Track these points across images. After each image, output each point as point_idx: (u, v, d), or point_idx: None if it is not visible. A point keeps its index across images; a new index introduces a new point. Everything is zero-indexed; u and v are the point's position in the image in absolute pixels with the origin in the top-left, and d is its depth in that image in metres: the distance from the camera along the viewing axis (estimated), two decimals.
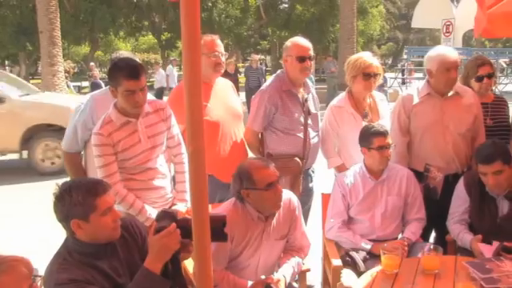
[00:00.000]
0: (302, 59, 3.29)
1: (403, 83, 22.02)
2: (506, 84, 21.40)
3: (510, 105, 3.75)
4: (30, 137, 7.98)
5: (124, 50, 10.27)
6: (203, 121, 1.48)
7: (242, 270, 2.61)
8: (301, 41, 3.38)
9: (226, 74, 11.59)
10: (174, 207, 2.88)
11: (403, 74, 23.46)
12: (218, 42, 3.39)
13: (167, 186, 2.95)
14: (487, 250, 2.68)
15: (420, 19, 26.89)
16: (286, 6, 29.70)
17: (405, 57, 26.46)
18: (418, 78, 19.78)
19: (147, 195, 2.83)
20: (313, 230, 3.54)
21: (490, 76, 3.53)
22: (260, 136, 3.48)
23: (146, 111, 2.78)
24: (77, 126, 3.18)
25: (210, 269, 1.55)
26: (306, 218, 3.50)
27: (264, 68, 17.52)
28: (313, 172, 3.57)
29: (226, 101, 3.48)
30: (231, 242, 2.52)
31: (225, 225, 1.81)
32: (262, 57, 37.58)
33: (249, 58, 26.63)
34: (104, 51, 33.02)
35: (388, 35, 41.76)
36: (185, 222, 1.80)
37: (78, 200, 1.87)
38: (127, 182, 2.77)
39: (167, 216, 1.88)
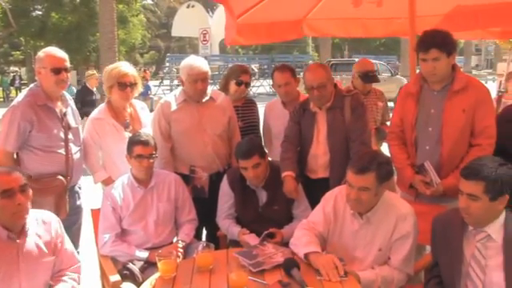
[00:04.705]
0: (57, 71, 3.07)
1: (171, 90, 22.66)
2: (258, 87, 23.92)
3: (262, 105, 4.18)
4: None
5: None
6: None
7: None
8: (55, 51, 3.15)
9: (88, 92, 9.10)
10: None
11: (169, 81, 24.15)
12: None
13: None
14: (252, 239, 2.93)
15: (179, 28, 28.11)
16: (40, 13, 27.29)
17: (167, 64, 27.22)
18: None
19: None
20: (86, 248, 3.36)
21: (247, 85, 3.94)
22: (16, 156, 3.12)
23: None
24: None
25: None
26: (77, 238, 3.32)
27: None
28: (79, 188, 3.38)
29: None
30: None
31: None
32: (16, 69, 33.98)
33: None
34: None
35: (150, 44, 42.29)
36: None
37: None
38: None
39: None
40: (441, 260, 2.33)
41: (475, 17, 4.05)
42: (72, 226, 3.26)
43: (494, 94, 6.20)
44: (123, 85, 3.32)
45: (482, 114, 2.82)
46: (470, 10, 4.07)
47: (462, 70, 3.05)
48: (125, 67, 3.38)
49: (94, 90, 9.14)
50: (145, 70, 22.58)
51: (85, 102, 8.18)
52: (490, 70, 34.03)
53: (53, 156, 3.09)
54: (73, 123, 3.25)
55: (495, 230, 2.13)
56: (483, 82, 3.27)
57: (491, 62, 41.65)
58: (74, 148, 3.20)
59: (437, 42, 2.80)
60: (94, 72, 9.57)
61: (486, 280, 2.12)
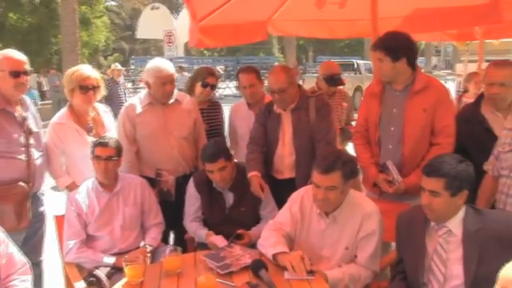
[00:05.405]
0: (15, 74, 2.98)
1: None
2: (224, 88, 23.87)
3: (227, 107, 4.18)
4: None
5: None
6: None
7: None
8: (13, 54, 3.06)
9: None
10: None
11: (133, 84, 23.85)
12: None
13: None
14: (219, 241, 2.93)
15: (144, 30, 27.80)
16: None
17: (132, 67, 26.88)
18: None
19: None
20: (51, 256, 3.28)
21: (213, 87, 3.94)
22: None
23: None
24: None
25: None
26: (40, 245, 3.26)
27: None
28: (42, 195, 3.29)
29: None
30: None
31: None
32: None
33: None
34: None
35: (114, 46, 41.58)
36: None
37: None
38: None
39: None
40: (405, 256, 2.38)
41: (433, 19, 4.17)
42: (35, 234, 3.19)
43: (453, 94, 6.41)
44: (85, 88, 3.26)
45: (441, 113, 2.90)
46: (429, 13, 4.20)
47: (422, 70, 3.13)
48: (87, 70, 3.32)
49: None
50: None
51: None
52: (449, 71, 35.05)
53: (13, 162, 3.00)
54: (34, 128, 3.16)
55: (455, 224, 2.20)
56: (443, 81, 3.37)
57: (450, 62, 42.92)
58: (35, 153, 3.12)
59: (383, 44, 2.89)
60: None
61: (447, 273, 2.19)
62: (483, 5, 3.88)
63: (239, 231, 2.98)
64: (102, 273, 2.81)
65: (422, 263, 2.26)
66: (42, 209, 3.27)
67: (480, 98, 3.27)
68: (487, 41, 8.23)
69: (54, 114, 3.46)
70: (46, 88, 20.41)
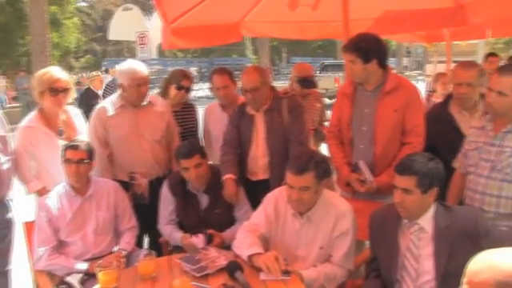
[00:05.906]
0: None
1: None
2: (198, 90, 23.73)
3: (201, 108, 4.17)
4: None
5: None
6: None
7: None
8: None
9: (92, 95, 8.22)
10: None
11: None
12: None
13: None
14: (198, 242, 2.91)
15: (116, 32, 27.46)
16: None
17: (103, 69, 26.50)
18: None
19: None
20: (20, 264, 3.20)
21: (188, 89, 3.93)
22: None
23: None
24: None
25: None
26: (8, 253, 3.16)
27: None
28: (10, 201, 3.20)
29: None
30: None
31: None
32: None
33: None
34: None
35: (85, 47, 40.87)
36: None
37: None
38: None
39: None
40: (379, 254, 2.42)
41: (403, 21, 4.26)
42: (2, 242, 3.10)
43: (423, 94, 6.53)
44: (55, 90, 3.20)
45: (411, 113, 2.96)
46: (398, 15, 4.28)
47: (394, 71, 3.18)
48: (57, 72, 3.26)
49: (100, 92, 8.51)
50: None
51: (90, 106, 7.67)
52: (420, 71, 35.72)
53: None
54: (1, 131, 3.08)
55: (426, 221, 2.25)
56: (414, 82, 3.44)
57: (421, 63, 43.75)
58: (2, 158, 3.03)
59: (354, 46, 2.93)
60: (99, 73, 9.03)
61: (420, 269, 2.23)
62: (449, 8, 3.99)
63: (209, 231, 2.96)
64: (74, 279, 2.75)
65: (396, 260, 2.30)
66: (9, 215, 3.17)
67: (448, 97, 3.34)
68: (455, 42, 8.43)
69: (23, 118, 3.38)
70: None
